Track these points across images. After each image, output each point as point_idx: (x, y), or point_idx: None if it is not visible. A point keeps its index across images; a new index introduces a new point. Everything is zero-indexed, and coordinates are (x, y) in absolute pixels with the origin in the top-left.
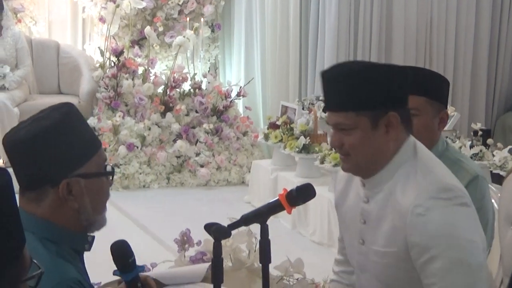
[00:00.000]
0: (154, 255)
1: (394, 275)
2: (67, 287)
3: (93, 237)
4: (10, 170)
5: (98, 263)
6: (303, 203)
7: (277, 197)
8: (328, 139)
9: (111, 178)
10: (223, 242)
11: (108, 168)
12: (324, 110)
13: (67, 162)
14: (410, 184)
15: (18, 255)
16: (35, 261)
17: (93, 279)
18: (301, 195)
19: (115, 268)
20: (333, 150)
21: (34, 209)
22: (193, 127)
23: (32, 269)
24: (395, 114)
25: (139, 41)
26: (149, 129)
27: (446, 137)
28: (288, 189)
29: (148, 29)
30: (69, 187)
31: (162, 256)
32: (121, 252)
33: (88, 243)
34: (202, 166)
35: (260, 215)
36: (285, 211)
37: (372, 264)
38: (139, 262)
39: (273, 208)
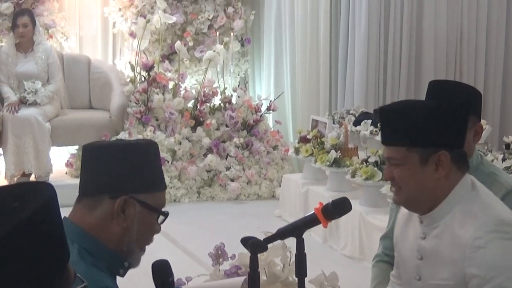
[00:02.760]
0: (186, 269)
1: None
2: None
3: (129, 264)
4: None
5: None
6: (339, 217)
7: (313, 211)
8: (360, 153)
9: (162, 221)
10: (258, 255)
11: (164, 211)
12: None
13: (133, 181)
14: (469, 219)
15: (63, 269)
16: (78, 275)
17: None
18: (337, 209)
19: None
20: (364, 164)
21: (84, 217)
22: (224, 141)
23: (76, 283)
24: (446, 154)
25: (169, 55)
26: (180, 143)
27: (478, 150)
28: (322, 203)
29: (178, 44)
30: (125, 205)
31: (194, 270)
32: (162, 271)
33: (123, 268)
34: (232, 180)
35: (296, 229)
36: (317, 226)
37: None
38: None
39: (309, 221)
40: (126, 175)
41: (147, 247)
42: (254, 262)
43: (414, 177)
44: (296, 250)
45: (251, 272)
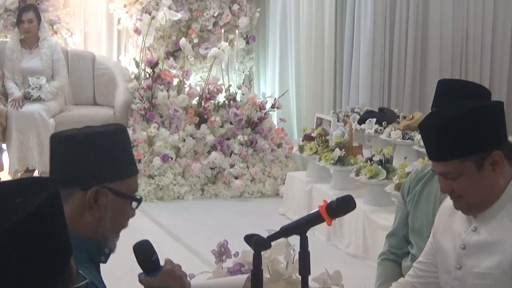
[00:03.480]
0: (189, 266)
1: None
2: None
3: (110, 249)
4: None
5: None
6: (343, 215)
7: (317, 209)
8: (364, 152)
9: (135, 207)
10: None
11: (137, 197)
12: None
13: (103, 171)
14: None
15: (65, 265)
16: (80, 271)
17: None
18: (342, 207)
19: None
20: (368, 162)
21: None
22: (228, 139)
23: (78, 280)
24: (499, 152)
25: (174, 52)
26: (184, 140)
27: None
28: (326, 201)
29: (183, 41)
30: (97, 195)
31: (197, 267)
32: (144, 252)
33: (104, 255)
34: (236, 177)
35: (300, 227)
36: (321, 224)
37: (471, 287)
38: None
39: (313, 219)
40: (95, 165)
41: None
42: (257, 260)
43: (474, 185)
44: (300, 248)
45: (254, 269)
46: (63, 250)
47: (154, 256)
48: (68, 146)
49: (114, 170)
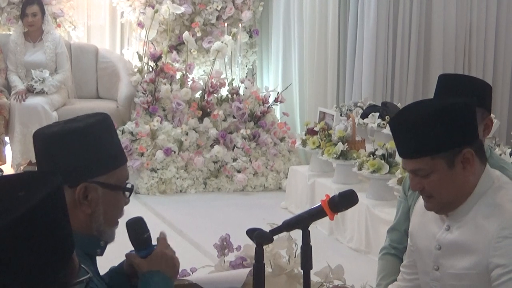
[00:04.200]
0: (191, 260)
1: None
2: None
3: (106, 242)
4: None
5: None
6: (346, 210)
7: (319, 203)
8: (367, 146)
9: (128, 196)
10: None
11: (128, 186)
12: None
13: (90, 166)
14: (494, 210)
15: (68, 259)
16: (83, 266)
17: None
18: (344, 201)
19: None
20: (371, 157)
21: None
22: (231, 133)
23: (81, 274)
24: (470, 150)
25: (177, 46)
26: (187, 134)
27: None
28: (329, 195)
29: (186, 35)
30: (86, 191)
31: (199, 261)
32: (137, 228)
33: (100, 248)
34: (239, 171)
35: (302, 221)
36: (323, 218)
37: None
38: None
39: (315, 214)
40: (81, 161)
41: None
42: (259, 254)
43: (444, 183)
44: (302, 242)
45: (256, 264)
46: (65, 243)
47: (146, 234)
48: (51, 144)
49: (101, 163)
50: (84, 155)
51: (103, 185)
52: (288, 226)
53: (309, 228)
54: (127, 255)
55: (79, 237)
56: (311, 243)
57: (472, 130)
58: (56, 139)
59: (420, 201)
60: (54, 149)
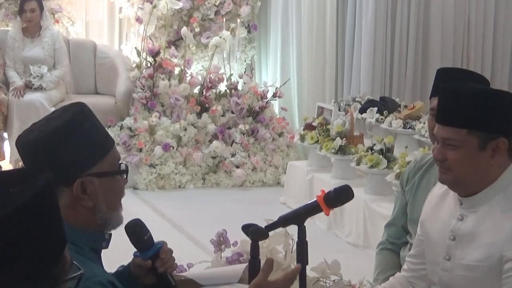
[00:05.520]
0: (189, 255)
1: None
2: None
3: (110, 234)
4: None
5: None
6: (341, 205)
7: (315, 199)
8: (365, 141)
9: (125, 176)
10: (259, 243)
11: (122, 167)
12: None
13: (79, 162)
14: None
15: (59, 256)
16: (75, 262)
17: None
18: (339, 196)
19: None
20: (369, 151)
21: None
22: (229, 128)
23: (73, 270)
24: (505, 141)
25: (176, 41)
26: (185, 129)
27: None
28: (325, 191)
29: (184, 30)
30: (83, 186)
31: (198, 257)
32: (137, 231)
33: (105, 241)
34: (237, 166)
35: (298, 216)
36: (322, 213)
37: (458, 279)
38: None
39: (311, 209)
40: (70, 159)
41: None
42: (255, 250)
43: (468, 161)
44: (298, 237)
45: (251, 259)
46: (56, 240)
47: (146, 235)
48: (36, 151)
49: (90, 155)
50: (71, 152)
51: (98, 175)
52: (284, 221)
53: (307, 223)
54: (134, 259)
55: (83, 233)
56: (309, 238)
57: None
58: (40, 145)
59: (434, 190)
60: (41, 156)
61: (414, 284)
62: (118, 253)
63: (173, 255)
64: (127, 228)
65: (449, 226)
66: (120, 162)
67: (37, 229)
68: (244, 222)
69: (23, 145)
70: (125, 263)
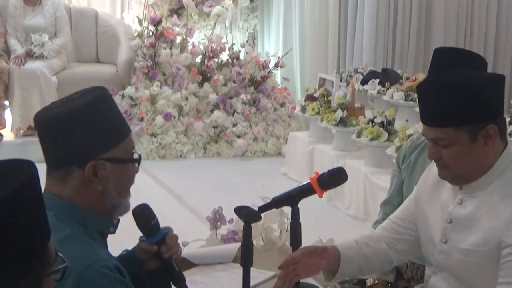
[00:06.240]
0: (189, 226)
1: (477, 274)
2: (97, 271)
3: (118, 220)
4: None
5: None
6: (335, 187)
7: (308, 181)
8: (367, 113)
9: (137, 165)
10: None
11: (135, 156)
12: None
13: (95, 144)
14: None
15: (43, 249)
16: (60, 254)
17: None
18: (333, 179)
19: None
20: (370, 124)
21: (61, 190)
22: (231, 98)
23: (57, 263)
24: (494, 127)
25: (178, 10)
26: (186, 99)
27: None
28: (318, 173)
29: None
30: (95, 169)
31: (197, 228)
32: (144, 216)
33: (113, 226)
34: (239, 136)
35: (291, 198)
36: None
37: (455, 263)
38: (175, 231)
39: (304, 191)
40: (85, 141)
41: (150, 204)
42: (247, 232)
43: (463, 156)
44: (291, 219)
45: (244, 241)
46: (39, 234)
47: (153, 220)
48: (53, 128)
49: (105, 139)
50: (87, 134)
51: (111, 160)
52: (277, 203)
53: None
54: (139, 244)
55: (92, 215)
56: (309, 210)
57: (498, 106)
58: (58, 123)
59: (432, 168)
60: (57, 133)
61: (393, 244)
62: (123, 237)
63: (171, 225)
64: (135, 212)
65: (447, 209)
66: (134, 151)
67: (20, 223)
68: (244, 192)
69: (40, 121)
70: (129, 248)
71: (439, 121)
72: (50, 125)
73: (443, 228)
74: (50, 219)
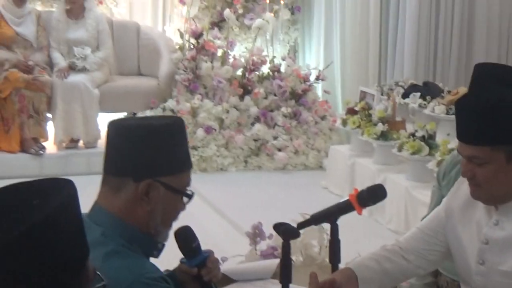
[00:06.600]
0: (229, 240)
1: None
2: (144, 284)
3: (163, 245)
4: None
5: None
6: (374, 204)
7: (348, 197)
8: (408, 126)
9: (186, 202)
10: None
11: (189, 192)
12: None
13: (157, 165)
14: None
15: (81, 267)
16: (98, 273)
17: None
18: (372, 196)
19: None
20: (411, 138)
21: (113, 202)
22: (271, 111)
23: (96, 281)
24: None
25: (219, 23)
26: (227, 112)
27: None
28: (362, 184)
29: (227, 12)
30: (149, 188)
31: (237, 242)
32: (186, 238)
33: (157, 250)
34: (279, 149)
35: (330, 215)
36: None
37: (495, 285)
38: (214, 245)
39: (344, 208)
40: (150, 158)
41: (192, 218)
42: (286, 249)
43: (498, 176)
44: (330, 236)
45: (283, 258)
46: (79, 252)
47: (194, 243)
48: (125, 136)
49: (168, 164)
50: (154, 153)
51: (166, 186)
52: (316, 220)
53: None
54: (180, 265)
55: (139, 235)
56: (349, 224)
57: None
58: (130, 132)
59: (466, 183)
60: (126, 141)
61: (423, 255)
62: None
63: (211, 238)
64: (177, 234)
65: (482, 230)
66: (188, 187)
67: (59, 241)
68: (285, 206)
69: (115, 126)
70: (170, 268)
71: (476, 140)
72: (123, 131)
73: (478, 249)
74: (95, 235)
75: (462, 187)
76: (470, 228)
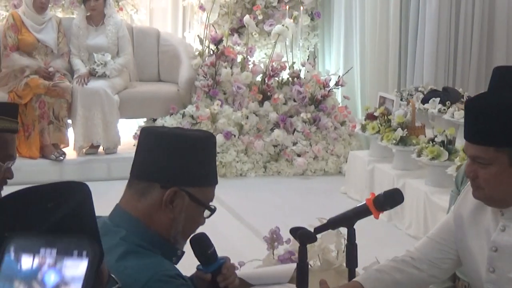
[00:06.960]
0: (248, 245)
1: None
2: (162, 281)
3: (183, 252)
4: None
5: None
6: (391, 208)
7: (365, 202)
8: (427, 131)
9: (207, 216)
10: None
11: (212, 206)
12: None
13: (186, 174)
14: None
15: (96, 270)
16: (113, 275)
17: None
18: (389, 200)
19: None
20: (430, 143)
21: (137, 205)
22: (291, 116)
23: (110, 284)
24: None
25: (238, 29)
26: (247, 117)
27: None
28: (381, 190)
29: (247, 18)
30: (174, 196)
31: (256, 247)
32: (201, 245)
33: (176, 257)
34: (299, 155)
35: (347, 219)
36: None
37: None
38: (232, 250)
39: (361, 212)
40: (179, 167)
41: (211, 223)
42: (303, 253)
43: (500, 178)
44: (347, 240)
45: (299, 263)
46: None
47: (210, 250)
48: (158, 143)
49: (196, 176)
50: (186, 162)
51: (191, 197)
52: (333, 224)
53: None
54: (196, 272)
55: (160, 240)
56: (368, 229)
57: None
58: (163, 138)
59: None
60: (158, 147)
61: (436, 264)
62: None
63: (230, 243)
64: (192, 241)
65: (490, 236)
66: (211, 202)
67: None
68: (304, 212)
69: (147, 130)
70: (188, 275)
71: (481, 139)
72: (158, 137)
73: (488, 256)
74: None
75: (470, 194)
76: (480, 235)
